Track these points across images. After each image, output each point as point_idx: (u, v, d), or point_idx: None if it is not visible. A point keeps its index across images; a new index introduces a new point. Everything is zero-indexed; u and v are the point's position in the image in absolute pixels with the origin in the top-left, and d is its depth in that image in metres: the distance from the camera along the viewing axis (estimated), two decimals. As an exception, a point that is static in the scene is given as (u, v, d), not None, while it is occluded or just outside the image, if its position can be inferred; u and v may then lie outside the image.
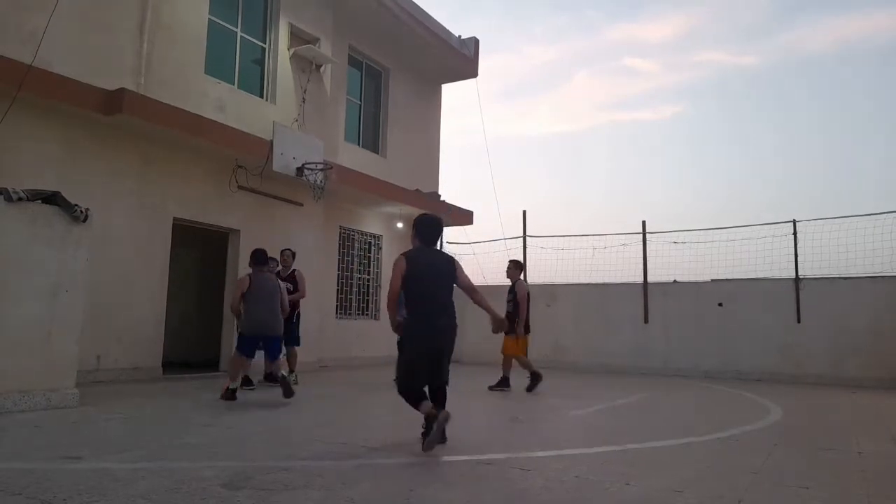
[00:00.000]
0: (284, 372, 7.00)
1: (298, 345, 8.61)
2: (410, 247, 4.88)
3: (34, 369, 5.58)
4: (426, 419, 4.28)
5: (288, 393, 6.67)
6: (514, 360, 8.66)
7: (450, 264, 4.76)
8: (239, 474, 3.52)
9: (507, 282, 8.95)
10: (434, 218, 4.87)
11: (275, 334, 7.15)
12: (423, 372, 4.51)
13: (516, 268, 8.99)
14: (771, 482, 3.73)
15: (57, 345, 5.74)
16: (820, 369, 10.95)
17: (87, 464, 3.71)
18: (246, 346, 7.10)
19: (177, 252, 9.49)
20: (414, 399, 4.45)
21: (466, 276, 4.79)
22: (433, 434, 4.25)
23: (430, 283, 4.58)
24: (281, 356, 7.67)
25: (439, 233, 4.82)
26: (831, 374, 10.82)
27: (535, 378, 8.46)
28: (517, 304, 8.60)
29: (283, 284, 7.63)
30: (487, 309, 4.76)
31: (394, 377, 4.71)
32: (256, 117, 10.09)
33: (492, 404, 7.56)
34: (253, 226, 10.14)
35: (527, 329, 8.69)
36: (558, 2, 39.39)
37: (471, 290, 4.73)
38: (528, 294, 8.77)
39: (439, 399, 4.57)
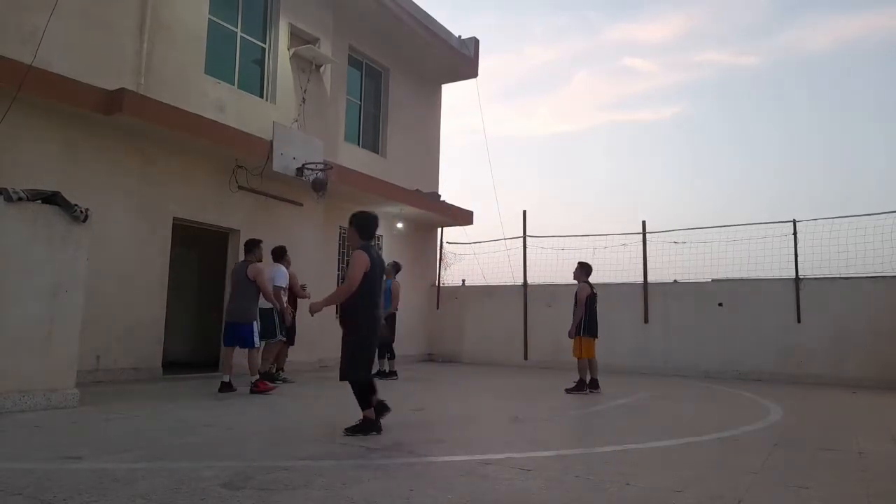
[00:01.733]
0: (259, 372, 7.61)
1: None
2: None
3: (34, 369, 5.58)
4: (364, 420, 4.93)
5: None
6: (587, 361, 8.62)
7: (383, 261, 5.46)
8: (239, 474, 3.52)
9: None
10: (372, 214, 5.36)
11: (234, 321, 7.58)
12: (373, 359, 5.18)
13: (580, 270, 8.96)
14: (771, 482, 3.73)
15: (57, 345, 5.74)
16: (820, 369, 10.94)
17: (87, 464, 3.71)
18: (223, 333, 7.82)
19: (177, 252, 9.49)
20: (367, 396, 5.00)
21: None
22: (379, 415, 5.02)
23: (379, 277, 5.21)
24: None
25: (376, 228, 5.36)
26: (831, 374, 10.82)
27: (581, 386, 8.47)
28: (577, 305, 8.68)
29: (257, 270, 7.64)
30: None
31: (353, 374, 5.01)
32: (256, 117, 10.09)
33: (492, 404, 7.56)
34: (253, 226, 10.12)
35: (592, 332, 8.65)
36: (558, 2, 39.40)
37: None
38: (592, 295, 8.74)
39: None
